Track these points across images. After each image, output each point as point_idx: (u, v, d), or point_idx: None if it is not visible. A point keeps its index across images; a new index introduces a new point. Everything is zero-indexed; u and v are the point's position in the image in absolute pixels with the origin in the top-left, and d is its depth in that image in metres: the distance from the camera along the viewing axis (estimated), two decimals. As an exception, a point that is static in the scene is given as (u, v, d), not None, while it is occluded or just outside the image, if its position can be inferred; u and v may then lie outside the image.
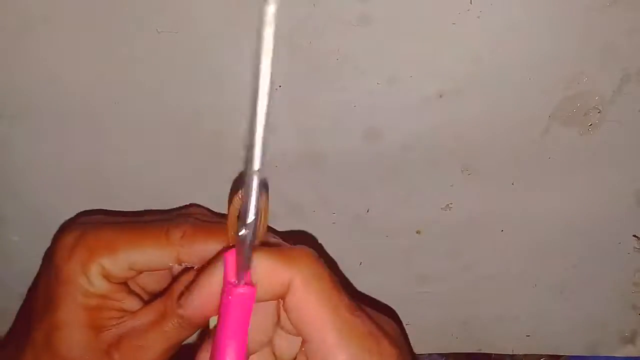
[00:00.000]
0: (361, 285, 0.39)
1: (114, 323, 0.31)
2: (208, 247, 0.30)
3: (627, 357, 0.42)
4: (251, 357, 0.27)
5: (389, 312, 0.40)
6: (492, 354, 0.43)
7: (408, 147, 0.36)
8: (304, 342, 0.26)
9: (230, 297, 0.24)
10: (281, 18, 0.32)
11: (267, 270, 0.25)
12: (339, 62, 0.33)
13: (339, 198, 0.38)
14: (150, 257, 0.30)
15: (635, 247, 0.39)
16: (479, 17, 0.32)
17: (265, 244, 0.27)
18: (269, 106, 0.22)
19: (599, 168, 0.36)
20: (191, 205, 0.37)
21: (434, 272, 0.40)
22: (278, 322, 0.27)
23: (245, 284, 0.25)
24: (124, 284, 0.31)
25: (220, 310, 0.25)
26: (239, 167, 0.36)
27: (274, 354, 0.28)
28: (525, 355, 0.44)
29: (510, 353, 0.43)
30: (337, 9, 0.32)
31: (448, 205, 0.38)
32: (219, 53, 0.34)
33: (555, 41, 0.33)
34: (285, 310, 0.26)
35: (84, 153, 0.37)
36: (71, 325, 0.30)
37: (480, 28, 0.32)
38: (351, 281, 0.39)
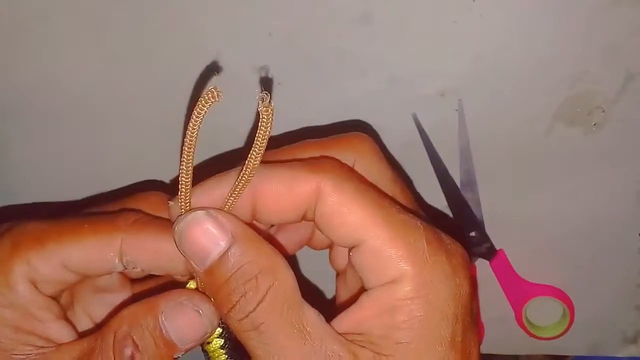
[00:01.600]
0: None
1: (28, 353, 0.23)
2: (159, 244, 0.24)
3: (630, 358, 0.42)
4: None
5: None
6: (495, 354, 0.43)
7: (409, 146, 0.36)
8: (350, 250, 0.22)
9: None
10: (281, 18, 0.32)
11: (281, 187, 0.22)
12: (339, 60, 0.33)
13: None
14: (88, 250, 0.23)
15: (639, 248, 0.39)
16: (481, 15, 0.32)
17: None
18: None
19: (602, 167, 0.36)
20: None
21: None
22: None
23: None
24: (55, 301, 0.24)
25: None
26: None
27: None
28: (528, 355, 0.44)
29: (514, 354, 0.43)
30: (337, 8, 0.32)
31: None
32: (219, 52, 0.33)
33: (558, 40, 0.33)
34: (319, 224, 0.22)
35: (83, 153, 0.37)
36: None
37: (483, 26, 0.32)
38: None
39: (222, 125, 0.35)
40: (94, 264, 0.24)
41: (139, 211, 0.25)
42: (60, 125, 0.36)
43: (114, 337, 0.22)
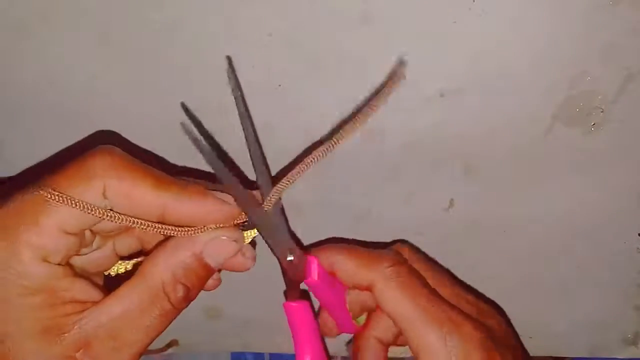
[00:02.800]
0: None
1: (75, 321, 0.25)
2: (138, 189, 0.26)
3: (630, 359, 0.42)
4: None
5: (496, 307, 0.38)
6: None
7: (409, 146, 0.36)
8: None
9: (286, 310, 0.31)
10: (281, 18, 0.32)
11: (348, 273, 0.31)
12: (338, 61, 0.33)
13: (339, 198, 0.38)
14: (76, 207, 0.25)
15: (638, 248, 0.39)
16: (480, 15, 0.32)
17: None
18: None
19: (602, 168, 0.36)
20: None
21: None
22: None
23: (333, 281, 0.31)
24: (68, 266, 0.26)
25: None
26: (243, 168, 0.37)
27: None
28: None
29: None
30: (337, 8, 0.32)
31: (449, 205, 0.38)
32: (218, 52, 0.34)
33: (557, 40, 0.33)
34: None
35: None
36: (16, 337, 0.24)
37: (482, 27, 0.32)
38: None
39: (222, 125, 0.35)
40: (86, 216, 0.25)
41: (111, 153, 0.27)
42: (61, 125, 0.36)
43: (163, 287, 0.26)
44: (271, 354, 0.44)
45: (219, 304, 0.41)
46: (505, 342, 0.31)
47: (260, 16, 0.33)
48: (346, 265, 0.31)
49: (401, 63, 0.28)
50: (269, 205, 0.29)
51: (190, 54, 0.34)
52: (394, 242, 0.37)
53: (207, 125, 0.35)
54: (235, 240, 0.28)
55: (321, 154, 0.26)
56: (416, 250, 0.34)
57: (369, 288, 0.31)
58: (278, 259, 0.30)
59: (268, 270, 0.40)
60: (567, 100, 0.34)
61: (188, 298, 0.27)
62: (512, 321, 0.41)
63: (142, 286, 0.26)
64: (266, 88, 0.34)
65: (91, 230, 0.27)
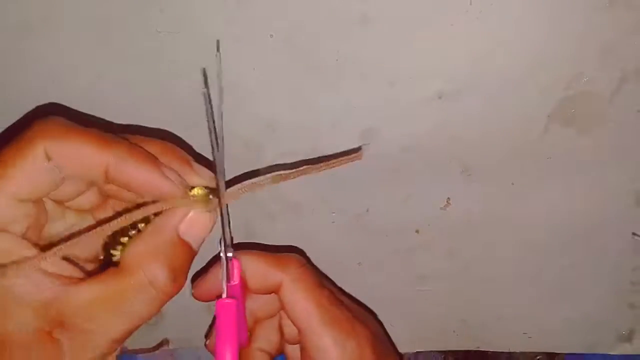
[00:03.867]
0: (361, 285, 0.39)
1: (51, 296, 0.24)
2: (80, 149, 0.25)
3: (624, 356, 0.42)
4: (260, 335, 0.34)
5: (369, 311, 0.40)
6: (489, 351, 0.43)
7: (407, 147, 0.36)
8: (298, 331, 0.31)
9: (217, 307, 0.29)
10: (281, 18, 0.32)
11: (259, 273, 0.31)
12: (338, 62, 0.33)
13: (338, 198, 0.38)
14: (27, 171, 0.25)
15: (632, 246, 0.39)
16: (478, 17, 0.32)
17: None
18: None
19: (597, 168, 0.36)
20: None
21: (433, 272, 0.40)
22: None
23: (238, 284, 0.30)
24: (28, 241, 0.25)
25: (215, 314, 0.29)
26: (240, 169, 0.37)
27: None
28: (523, 353, 0.44)
29: (508, 351, 0.43)
30: (337, 9, 0.32)
31: (447, 205, 0.38)
32: (219, 53, 0.34)
33: (554, 41, 0.33)
34: (282, 305, 0.31)
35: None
36: None
37: (480, 29, 0.32)
38: (350, 280, 0.39)
39: (220, 126, 0.35)
40: (38, 181, 0.25)
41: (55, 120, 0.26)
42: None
43: (143, 270, 0.25)
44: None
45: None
46: (387, 344, 0.34)
47: (260, 16, 0.33)
48: (257, 266, 0.31)
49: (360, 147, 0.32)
50: (231, 200, 0.28)
51: (190, 54, 0.34)
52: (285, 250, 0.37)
53: (206, 125, 0.35)
54: (208, 212, 0.27)
55: (269, 181, 0.28)
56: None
57: (275, 289, 0.31)
58: (221, 252, 0.29)
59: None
60: (563, 101, 0.35)
61: (175, 283, 0.26)
62: (508, 318, 0.42)
63: (123, 272, 0.25)
64: (266, 88, 0.34)
65: (58, 203, 0.27)
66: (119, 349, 0.26)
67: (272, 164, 0.36)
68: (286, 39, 0.33)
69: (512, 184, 0.37)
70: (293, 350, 0.34)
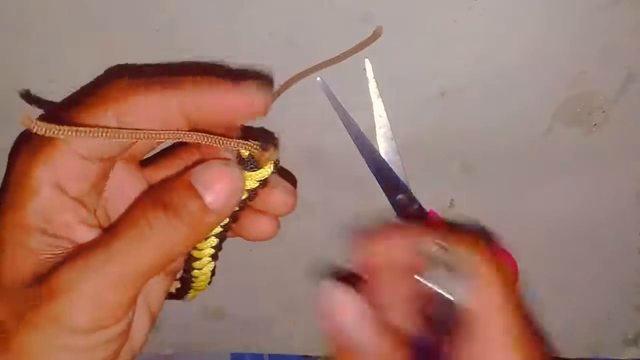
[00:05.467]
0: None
1: (56, 253, 0.23)
2: (149, 99, 0.24)
3: (630, 360, 0.42)
4: None
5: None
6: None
7: (409, 145, 0.36)
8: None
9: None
10: (281, 18, 0.32)
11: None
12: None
13: (339, 198, 0.37)
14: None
15: (639, 248, 0.39)
16: (481, 14, 0.32)
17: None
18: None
19: (602, 168, 0.36)
20: None
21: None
22: None
23: None
24: (81, 204, 0.24)
25: None
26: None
27: None
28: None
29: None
30: (338, 8, 0.32)
31: (449, 204, 0.38)
32: (218, 52, 0.33)
33: (558, 40, 0.33)
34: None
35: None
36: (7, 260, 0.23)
37: (483, 26, 0.32)
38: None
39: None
40: (97, 143, 0.24)
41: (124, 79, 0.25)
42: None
43: (143, 205, 0.23)
44: (271, 355, 0.44)
45: (219, 304, 0.41)
46: None
47: (260, 16, 0.33)
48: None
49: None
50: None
51: (190, 54, 0.34)
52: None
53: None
54: (231, 171, 0.24)
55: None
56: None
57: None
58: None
59: (268, 270, 0.40)
60: (567, 100, 0.34)
61: (172, 227, 0.23)
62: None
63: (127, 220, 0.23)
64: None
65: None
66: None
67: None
68: (285, 38, 0.33)
69: (515, 183, 0.37)
70: None
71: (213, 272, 0.29)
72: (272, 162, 0.26)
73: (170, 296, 0.30)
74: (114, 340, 0.24)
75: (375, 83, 0.34)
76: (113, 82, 0.25)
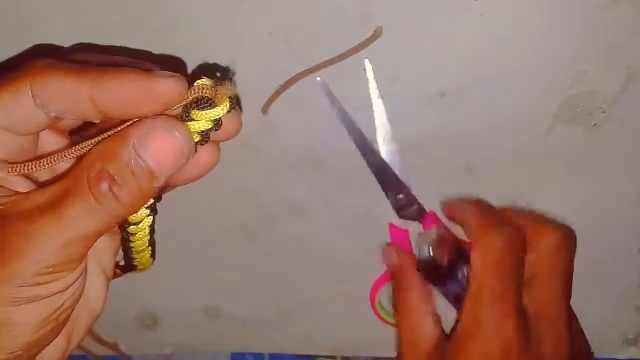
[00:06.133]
0: (362, 286, 0.39)
1: None
2: (63, 82, 0.23)
3: (631, 359, 0.42)
4: None
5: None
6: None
7: (409, 146, 0.36)
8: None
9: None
10: (281, 18, 0.32)
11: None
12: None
13: (339, 198, 0.37)
14: (8, 104, 0.23)
15: (639, 248, 0.38)
16: (481, 15, 0.32)
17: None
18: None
19: (603, 168, 0.36)
20: None
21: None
22: None
23: None
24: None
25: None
26: (239, 169, 0.36)
27: None
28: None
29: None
30: (338, 8, 0.32)
31: (450, 205, 0.38)
32: (218, 52, 0.33)
33: (559, 40, 0.33)
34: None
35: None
36: None
37: (483, 26, 0.32)
38: (352, 281, 0.39)
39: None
40: (17, 117, 0.24)
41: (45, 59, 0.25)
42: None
43: (87, 175, 0.22)
44: (271, 354, 0.44)
45: (218, 304, 0.41)
46: None
47: (260, 16, 0.33)
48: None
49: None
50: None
51: (190, 54, 0.34)
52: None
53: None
54: (177, 133, 0.23)
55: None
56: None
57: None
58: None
59: (268, 270, 0.40)
60: (568, 100, 0.34)
61: (118, 200, 0.22)
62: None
63: (67, 178, 0.23)
64: (266, 88, 0.34)
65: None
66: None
67: (271, 164, 0.36)
68: (285, 38, 0.33)
69: (516, 183, 0.37)
70: None
71: (153, 228, 0.26)
72: (228, 99, 0.24)
73: (123, 269, 0.28)
74: (68, 290, 0.23)
75: (375, 83, 0.34)
76: (34, 61, 0.25)
